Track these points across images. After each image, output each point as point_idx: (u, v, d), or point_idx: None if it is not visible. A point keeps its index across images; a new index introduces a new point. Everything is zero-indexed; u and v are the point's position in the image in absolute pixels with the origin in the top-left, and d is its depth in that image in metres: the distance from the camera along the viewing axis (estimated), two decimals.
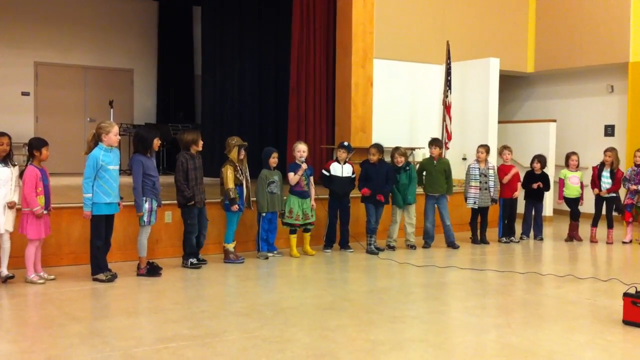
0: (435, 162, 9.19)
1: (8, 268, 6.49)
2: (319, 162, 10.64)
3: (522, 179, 9.97)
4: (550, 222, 12.10)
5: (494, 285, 6.90)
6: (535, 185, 9.89)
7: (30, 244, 6.49)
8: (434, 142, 9.35)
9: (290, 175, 8.23)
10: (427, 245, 9.14)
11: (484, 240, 9.57)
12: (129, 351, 4.48)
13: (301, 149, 8.34)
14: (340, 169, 8.59)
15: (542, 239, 10.00)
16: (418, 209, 9.19)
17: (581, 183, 9.98)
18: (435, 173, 9.12)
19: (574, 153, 10.10)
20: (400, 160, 8.90)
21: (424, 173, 9.25)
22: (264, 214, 8.09)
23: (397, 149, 9.03)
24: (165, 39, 15.90)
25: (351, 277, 7.43)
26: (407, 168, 8.91)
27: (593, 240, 9.87)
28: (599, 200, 9.92)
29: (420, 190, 9.22)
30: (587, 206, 10.29)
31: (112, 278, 6.64)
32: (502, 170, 9.75)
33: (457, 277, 7.30)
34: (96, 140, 6.61)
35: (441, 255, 8.69)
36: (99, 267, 6.64)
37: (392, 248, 8.91)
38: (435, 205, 9.23)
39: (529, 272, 7.47)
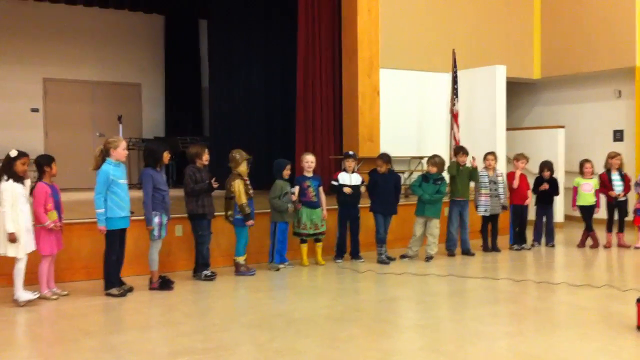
0: (461, 167, 9.17)
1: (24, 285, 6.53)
2: (327, 171, 10.65)
3: (531, 186, 9.93)
4: (562, 229, 12.04)
5: (505, 293, 6.87)
6: (541, 187, 9.84)
7: (43, 260, 6.53)
8: (462, 150, 9.31)
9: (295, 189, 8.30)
10: (451, 252, 9.12)
11: (495, 248, 9.53)
12: None
13: (309, 160, 8.38)
14: (349, 179, 8.61)
15: (553, 246, 9.95)
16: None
17: (596, 191, 9.90)
18: (462, 177, 9.11)
19: (587, 160, 10.01)
20: (432, 170, 8.81)
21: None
22: (288, 220, 8.11)
23: (432, 157, 8.93)
24: (172, 52, 16.01)
25: (362, 287, 7.42)
26: (439, 182, 8.75)
27: (608, 245, 9.81)
28: (611, 205, 9.87)
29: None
30: (600, 212, 10.09)
31: (125, 293, 6.66)
32: (511, 176, 9.73)
33: (469, 285, 7.28)
34: (104, 155, 6.65)
35: (452, 263, 8.67)
36: (112, 282, 6.67)
37: (407, 257, 8.88)
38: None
39: (541, 280, 7.44)
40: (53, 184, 6.67)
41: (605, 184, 9.85)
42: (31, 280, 6.62)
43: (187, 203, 7.52)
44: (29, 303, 6.23)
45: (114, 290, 6.62)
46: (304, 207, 8.30)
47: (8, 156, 6.31)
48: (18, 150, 6.36)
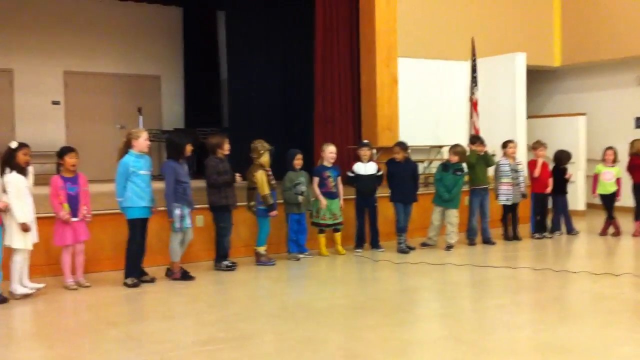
0: (477, 155, 9.14)
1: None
2: (346, 162, 10.61)
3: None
4: (584, 217, 11.94)
5: (527, 282, 6.85)
6: (568, 176, 9.75)
7: (63, 251, 6.60)
8: (479, 139, 9.30)
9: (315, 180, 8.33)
10: (472, 242, 9.09)
11: (516, 237, 9.48)
12: (166, 355, 4.54)
13: (332, 151, 8.42)
14: (364, 168, 8.61)
15: (576, 234, 9.86)
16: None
17: (617, 179, 9.74)
18: (480, 165, 9.09)
19: (610, 148, 9.85)
20: (453, 159, 8.80)
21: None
22: (300, 211, 8.12)
23: (454, 146, 8.92)
24: (191, 44, 16.02)
25: (382, 277, 7.43)
26: (459, 172, 8.74)
27: (637, 234, 9.56)
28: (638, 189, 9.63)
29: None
30: (626, 200, 9.91)
31: (138, 283, 6.70)
32: (533, 164, 9.64)
33: (490, 275, 7.25)
34: (127, 147, 6.72)
35: (473, 252, 8.64)
36: (130, 272, 6.73)
37: (427, 246, 8.87)
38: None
39: (562, 268, 7.39)
40: (77, 174, 6.70)
41: (635, 166, 9.52)
42: (55, 272, 6.72)
43: (209, 194, 7.54)
44: (25, 297, 6.20)
45: (129, 280, 6.68)
46: (323, 197, 8.31)
47: (9, 148, 6.31)
48: (18, 142, 6.41)
